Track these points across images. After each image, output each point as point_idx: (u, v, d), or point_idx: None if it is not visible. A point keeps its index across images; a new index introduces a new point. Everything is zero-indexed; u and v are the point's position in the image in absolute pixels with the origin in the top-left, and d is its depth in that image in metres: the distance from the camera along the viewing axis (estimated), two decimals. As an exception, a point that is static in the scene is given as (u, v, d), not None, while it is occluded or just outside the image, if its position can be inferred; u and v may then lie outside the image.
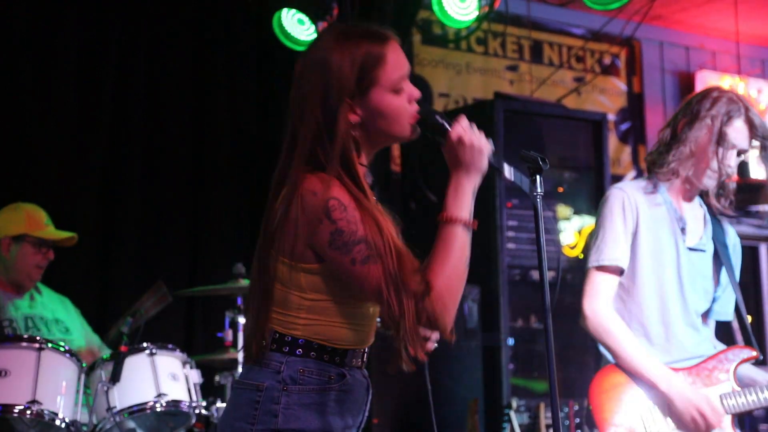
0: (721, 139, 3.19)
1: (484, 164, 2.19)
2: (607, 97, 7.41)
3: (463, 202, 2.18)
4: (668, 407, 3.14)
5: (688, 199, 3.31)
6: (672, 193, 3.29)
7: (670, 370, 3.17)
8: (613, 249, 3.20)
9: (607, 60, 7.34)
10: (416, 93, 2.22)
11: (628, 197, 3.24)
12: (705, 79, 7.41)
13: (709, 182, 3.25)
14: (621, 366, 3.20)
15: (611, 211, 3.23)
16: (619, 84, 7.49)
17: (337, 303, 2.13)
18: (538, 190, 2.33)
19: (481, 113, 5.70)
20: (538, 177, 2.32)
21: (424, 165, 5.89)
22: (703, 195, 3.35)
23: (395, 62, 2.16)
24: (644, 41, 7.44)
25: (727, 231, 3.40)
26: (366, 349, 2.23)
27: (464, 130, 2.17)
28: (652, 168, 3.31)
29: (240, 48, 5.75)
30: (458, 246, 2.14)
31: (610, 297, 3.21)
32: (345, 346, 2.15)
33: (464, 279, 2.12)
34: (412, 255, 2.13)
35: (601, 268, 3.21)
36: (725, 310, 3.39)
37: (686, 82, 7.54)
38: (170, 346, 3.98)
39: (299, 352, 2.11)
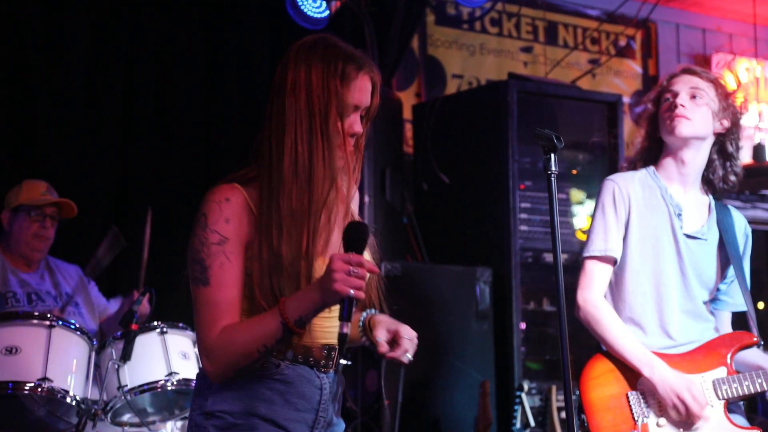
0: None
1: (331, 300, 2.12)
2: (622, 80, 7.35)
3: (300, 308, 2.13)
4: (653, 393, 3.14)
5: (684, 185, 3.31)
6: (667, 179, 3.30)
7: (655, 356, 3.16)
8: (605, 240, 3.23)
9: (622, 42, 7.27)
10: (358, 127, 2.26)
11: (619, 188, 3.26)
12: (721, 62, 7.34)
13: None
14: (611, 353, 3.20)
15: (603, 203, 3.27)
16: (635, 66, 7.43)
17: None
18: (553, 168, 2.30)
19: (494, 94, 5.66)
20: (552, 155, 2.29)
21: (436, 146, 5.86)
22: (708, 183, 3.35)
23: (357, 93, 2.24)
24: (660, 23, 7.37)
25: (736, 219, 3.37)
26: (325, 351, 2.26)
27: (344, 268, 2.07)
28: (639, 161, 3.37)
29: (252, 25, 5.70)
30: (266, 333, 2.14)
31: (602, 287, 3.25)
32: None
33: (250, 356, 2.16)
34: (234, 298, 2.19)
35: (594, 259, 3.25)
36: (736, 301, 3.37)
37: (702, 64, 7.45)
38: (181, 324, 3.98)
39: None
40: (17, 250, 4.39)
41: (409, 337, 2.29)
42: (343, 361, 2.37)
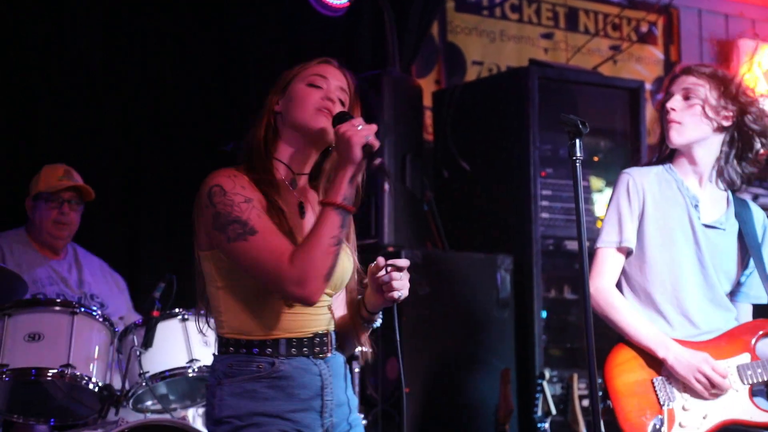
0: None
1: (354, 156, 2.27)
2: (643, 66, 7.29)
3: (337, 188, 2.27)
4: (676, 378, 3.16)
5: (700, 180, 3.32)
6: (683, 174, 3.32)
7: (669, 338, 3.18)
8: (619, 231, 3.27)
9: (644, 28, 7.22)
10: (334, 95, 2.40)
11: (634, 180, 3.29)
12: (744, 48, 7.27)
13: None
14: (626, 338, 3.23)
15: (617, 195, 3.31)
16: (656, 52, 7.37)
17: (244, 293, 2.33)
18: (578, 154, 2.29)
19: (515, 81, 5.63)
20: (577, 141, 2.27)
21: (456, 133, 5.83)
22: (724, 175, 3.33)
23: (319, 69, 2.44)
24: (682, 9, 7.30)
25: (754, 212, 3.38)
26: (317, 339, 2.36)
27: (350, 125, 2.27)
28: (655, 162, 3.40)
29: (252, 25, 5.63)
30: (327, 225, 2.26)
31: (614, 275, 3.29)
32: (272, 336, 2.32)
33: (329, 253, 2.24)
34: (285, 239, 2.28)
35: (606, 248, 3.29)
36: (757, 293, 3.37)
37: (725, 50, 7.40)
38: (202, 311, 3.97)
39: (230, 349, 2.37)
40: (40, 238, 4.42)
41: (401, 265, 2.35)
42: (364, 349, 2.42)
